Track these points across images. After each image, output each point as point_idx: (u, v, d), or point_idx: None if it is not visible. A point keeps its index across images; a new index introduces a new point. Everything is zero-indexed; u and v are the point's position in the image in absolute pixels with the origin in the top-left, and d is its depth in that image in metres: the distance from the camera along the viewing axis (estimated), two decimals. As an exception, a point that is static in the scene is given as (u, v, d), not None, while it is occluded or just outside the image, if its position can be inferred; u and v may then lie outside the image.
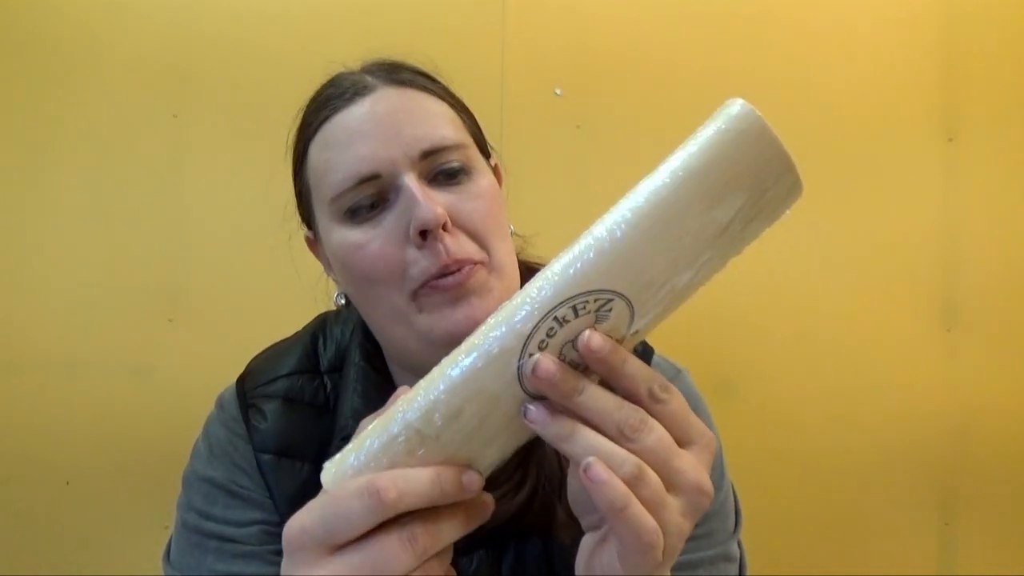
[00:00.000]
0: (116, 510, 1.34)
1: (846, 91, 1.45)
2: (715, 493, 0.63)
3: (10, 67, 1.34)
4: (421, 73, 0.60)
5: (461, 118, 0.60)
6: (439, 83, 0.61)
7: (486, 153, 0.62)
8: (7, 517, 1.33)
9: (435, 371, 0.39)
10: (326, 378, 0.65)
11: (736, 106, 0.37)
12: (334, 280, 0.63)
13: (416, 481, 0.37)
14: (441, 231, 0.51)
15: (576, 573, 0.42)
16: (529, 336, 0.37)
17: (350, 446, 0.39)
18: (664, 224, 0.37)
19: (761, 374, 1.43)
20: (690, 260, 0.38)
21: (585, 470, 0.36)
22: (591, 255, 0.37)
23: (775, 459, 1.41)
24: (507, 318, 0.38)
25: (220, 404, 0.66)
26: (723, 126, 0.37)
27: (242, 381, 0.66)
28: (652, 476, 0.37)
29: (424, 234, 0.51)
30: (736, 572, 0.64)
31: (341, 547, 0.36)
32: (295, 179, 0.62)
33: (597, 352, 0.37)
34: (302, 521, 0.37)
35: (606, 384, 0.39)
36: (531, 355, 0.37)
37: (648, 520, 0.36)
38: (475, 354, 0.38)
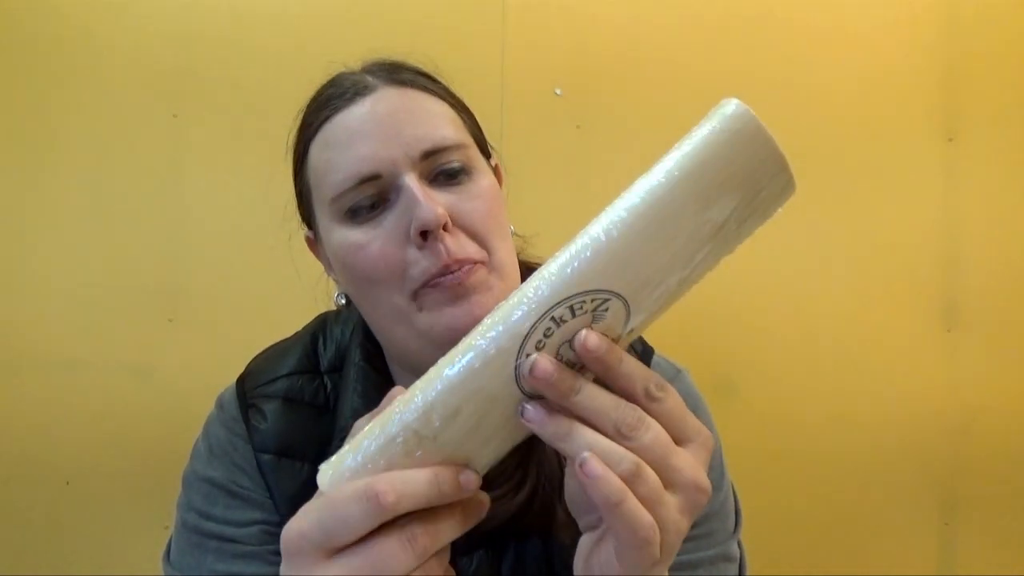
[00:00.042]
0: (116, 510, 1.33)
1: (846, 91, 1.45)
2: (715, 493, 0.63)
3: (10, 67, 1.34)
4: (422, 73, 0.60)
5: (462, 118, 0.60)
6: (440, 83, 0.61)
7: (486, 153, 0.62)
8: (7, 517, 1.33)
9: (432, 371, 0.39)
10: (326, 378, 0.65)
11: (731, 106, 0.38)
12: (334, 280, 0.63)
13: (414, 483, 0.37)
14: (442, 231, 0.51)
15: (575, 573, 0.42)
16: (527, 336, 0.37)
17: (346, 447, 0.39)
18: (660, 224, 0.37)
19: (761, 374, 1.43)
20: (685, 259, 0.38)
21: (581, 465, 0.37)
22: (588, 255, 0.37)
23: (775, 459, 1.41)
24: (504, 318, 0.38)
25: (220, 404, 0.66)
26: (718, 126, 0.37)
27: (242, 381, 0.66)
28: (649, 473, 0.37)
29: (425, 234, 0.51)
30: (736, 572, 0.64)
31: (340, 550, 0.36)
32: (295, 179, 0.62)
33: (594, 351, 0.37)
34: (300, 525, 0.37)
35: (602, 383, 0.39)
36: (528, 355, 0.37)
37: (644, 515, 0.36)
38: (472, 354, 0.38)
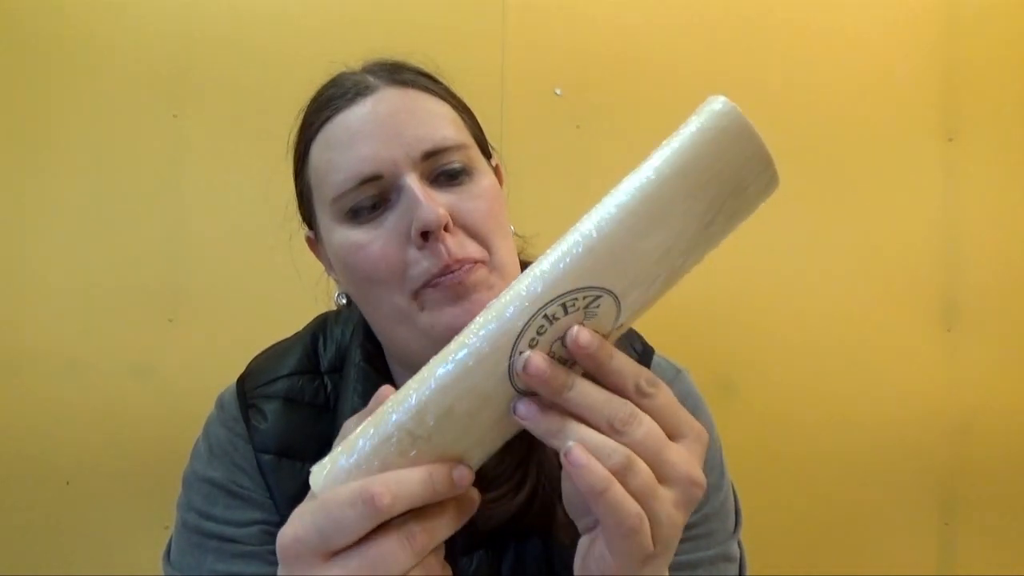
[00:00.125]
0: (116, 510, 1.34)
1: (846, 91, 1.45)
2: (715, 493, 0.64)
3: (10, 67, 1.34)
4: (423, 73, 0.60)
5: (462, 118, 0.60)
6: (441, 83, 0.61)
7: (487, 153, 0.62)
8: (7, 517, 1.33)
9: (424, 370, 0.39)
10: (326, 378, 0.65)
11: (718, 103, 0.38)
12: (335, 280, 0.63)
13: (409, 483, 0.37)
14: (442, 231, 0.52)
15: (574, 575, 0.43)
16: (520, 334, 0.37)
17: (340, 448, 0.39)
18: (650, 220, 0.38)
19: (761, 374, 1.43)
20: (675, 255, 0.38)
21: (566, 455, 0.37)
22: (579, 252, 0.37)
23: (775, 459, 1.41)
24: (497, 316, 0.38)
25: (220, 404, 0.66)
26: (706, 123, 0.38)
27: (242, 381, 0.66)
28: (642, 466, 0.37)
29: (425, 235, 0.51)
30: (736, 572, 0.64)
31: (337, 552, 0.36)
32: (296, 179, 0.62)
33: (585, 348, 0.38)
34: (295, 530, 0.37)
35: (593, 380, 0.39)
36: (521, 353, 0.37)
37: (630, 504, 0.36)
38: (465, 352, 0.38)
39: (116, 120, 1.35)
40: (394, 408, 0.38)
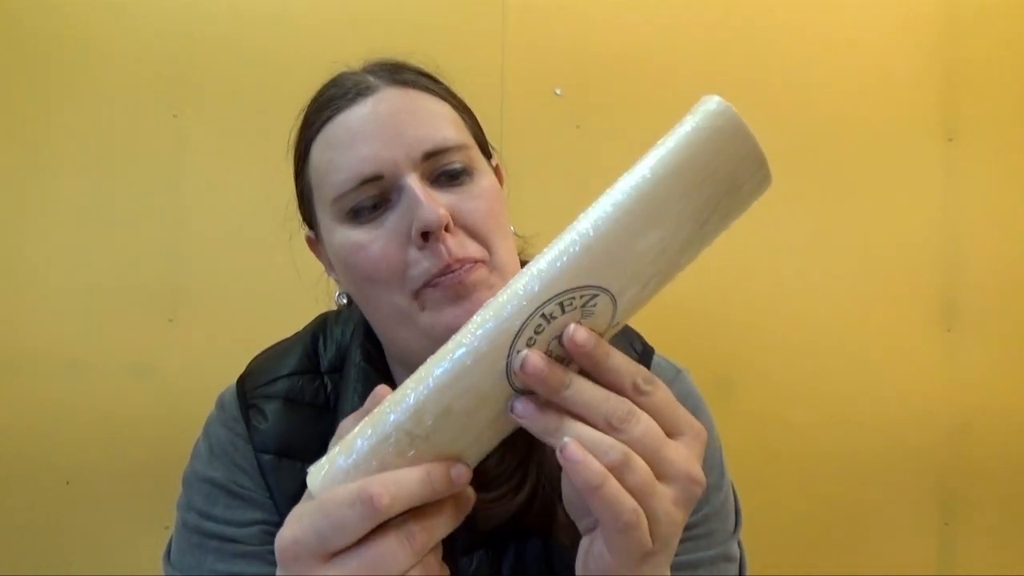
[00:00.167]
0: (116, 510, 1.33)
1: (846, 91, 1.45)
2: (715, 493, 0.64)
3: (10, 67, 1.34)
4: (424, 74, 0.60)
5: (463, 119, 0.60)
6: (441, 84, 0.61)
7: (487, 154, 0.62)
8: (7, 517, 1.33)
9: (422, 370, 0.39)
10: (327, 378, 0.65)
11: (713, 103, 0.38)
12: (335, 280, 0.63)
13: (408, 483, 0.37)
14: (443, 232, 0.52)
15: (576, 575, 0.43)
16: (518, 333, 0.37)
17: (337, 448, 0.39)
18: (646, 219, 0.38)
19: (761, 374, 1.43)
20: (670, 253, 0.39)
21: (561, 450, 0.37)
22: (576, 251, 0.38)
23: (775, 459, 1.41)
24: (495, 315, 0.38)
25: (220, 404, 0.66)
26: (702, 123, 0.38)
27: (242, 381, 0.66)
28: (639, 463, 0.37)
29: (426, 235, 0.51)
30: (736, 572, 0.64)
31: (337, 553, 0.36)
32: (297, 179, 0.62)
33: (582, 346, 0.38)
34: (294, 532, 0.37)
35: (590, 378, 0.39)
36: (519, 352, 0.38)
37: (626, 499, 0.36)
38: (463, 351, 0.38)
39: (116, 120, 1.35)
40: (392, 408, 0.38)
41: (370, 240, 0.54)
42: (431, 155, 0.54)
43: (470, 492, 0.40)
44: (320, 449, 0.46)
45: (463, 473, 0.38)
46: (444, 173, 0.55)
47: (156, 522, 1.29)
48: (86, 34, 1.35)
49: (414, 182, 0.53)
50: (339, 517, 0.36)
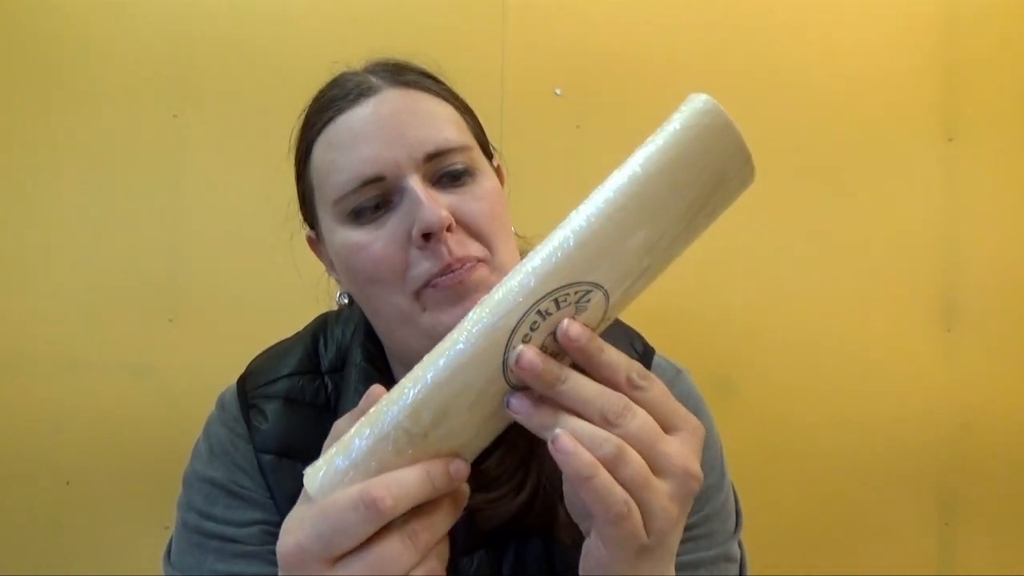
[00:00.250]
0: (116, 510, 1.33)
1: (846, 91, 1.45)
2: (716, 493, 0.64)
3: (10, 67, 1.34)
4: (425, 74, 0.60)
5: (465, 120, 0.60)
6: (443, 84, 0.61)
7: (488, 154, 0.62)
8: (7, 517, 1.33)
9: (418, 368, 0.39)
10: (327, 378, 0.65)
11: (700, 101, 0.39)
12: (336, 280, 0.63)
13: (409, 484, 0.37)
14: (444, 232, 0.52)
15: (579, 574, 0.43)
16: (514, 330, 0.38)
17: (334, 449, 0.39)
18: (637, 215, 0.38)
19: (761, 374, 1.43)
20: (659, 249, 0.39)
21: (553, 442, 0.37)
22: (570, 248, 0.38)
23: (775, 459, 1.41)
24: (491, 312, 0.38)
25: (221, 404, 0.66)
26: (690, 120, 0.39)
27: (243, 381, 0.66)
28: (634, 456, 0.37)
29: (427, 236, 0.52)
30: (737, 572, 0.64)
31: (340, 556, 0.36)
32: (298, 179, 0.62)
33: (576, 341, 0.38)
34: (297, 538, 0.37)
35: (585, 374, 0.39)
36: (515, 348, 0.38)
37: (617, 490, 0.36)
38: (460, 349, 0.38)
39: (116, 120, 1.35)
40: (389, 407, 0.39)
41: (371, 241, 0.54)
42: (433, 156, 0.54)
43: (465, 488, 0.41)
44: (320, 449, 0.46)
45: (462, 469, 0.39)
46: (446, 174, 0.55)
47: (156, 522, 1.29)
48: (86, 34, 1.35)
49: (416, 183, 0.53)
50: (342, 521, 0.36)
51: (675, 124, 0.39)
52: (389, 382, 0.64)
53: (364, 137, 0.55)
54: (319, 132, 0.57)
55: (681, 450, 0.39)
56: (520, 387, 0.39)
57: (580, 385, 0.38)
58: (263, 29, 1.37)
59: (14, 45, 1.34)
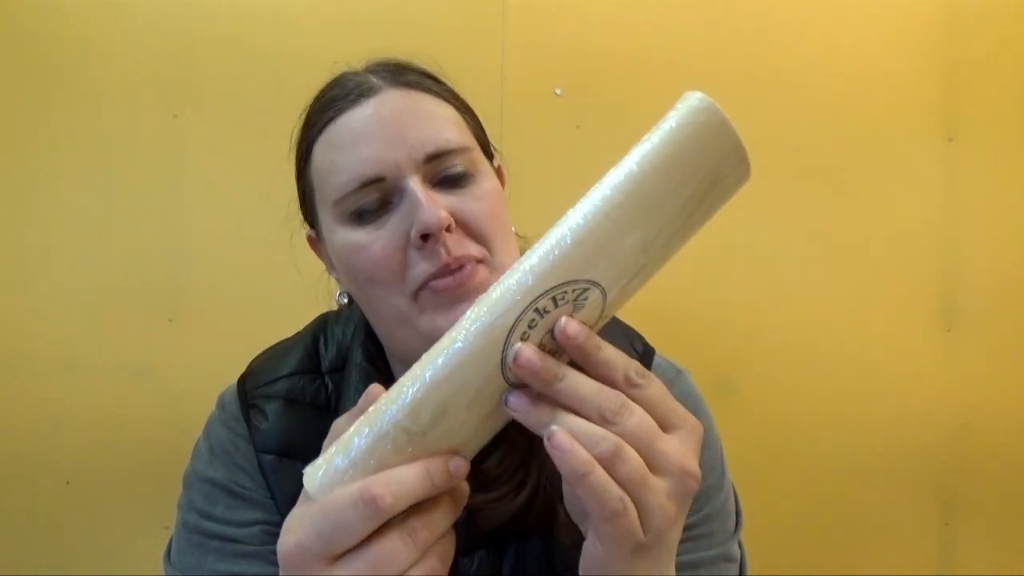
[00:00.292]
0: (116, 510, 1.33)
1: (846, 92, 1.45)
2: (716, 493, 0.64)
3: (10, 67, 1.34)
4: (427, 75, 0.60)
5: (466, 120, 0.60)
6: (444, 85, 0.61)
7: (489, 155, 0.62)
8: (7, 517, 1.33)
9: (417, 367, 0.40)
10: (327, 378, 0.65)
11: (696, 99, 0.39)
12: (336, 279, 0.63)
13: (408, 481, 0.37)
14: (443, 233, 0.52)
15: (579, 574, 0.43)
16: (512, 328, 0.38)
17: (334, 448, 0.39)
18: (634, 213, 0.39)
19: (761, 374, 1.43)
20: (656, 246, 0.40)
21: (549, 439, 0.37)
22: (567, 246, 0.38)
23: (775, 459, 1.41)
24: (489, 311, 0.38)
25: (221, 404, 0.66)
26: (686, 118, 0.39)
27: (243, 381, 0.66)
28: (631, 454, 0.37)
29: (426, 237, 0.52)
30: (737, 572, 0.64)
31: (340, 554, 0.36)
32: (298, 179, 0.62)
33: (573, 339, 0.38)
34: (297, 537, 0.37)
35: (583, 372, 0.39)
36: (513, 346, 0.38)
37: (612, 487, 0.36)
38: (458, 347, 0.38)
39: (116, 120, 1.35)
40: (388, 405, 0.39)
41: (371, 241, 0.54)
42: (433, 157, 0.54)
43: (464, 486, 0.41)
44: (321, 449, 0.46)
45: (461, 465, 0.39)
46: (446, 176, 0.55)
47: (156, 522, 1.29)
48: (86, 34, 1.35)
49: (415, 184, 0.53)
50: (342, 519, 0.36)
51: (671, 122, 0.39)
52: (389, 382, 0.64)
53: (364, 138, 0.55)
54: (319, 132, 0.57)
55: (679, 449, 0.39)
56: (518, 385, 0.39)
57: (578, 383, 0.38)
58: (263, 29, 1.37)
59: (14, 45, 1.34)
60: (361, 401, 0.42)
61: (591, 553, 0.40)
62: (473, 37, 1.40)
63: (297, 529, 0.37)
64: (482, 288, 0.53)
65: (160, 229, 1.35)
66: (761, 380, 1.43)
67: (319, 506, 0.37)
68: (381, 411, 0.39)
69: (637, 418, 0.38)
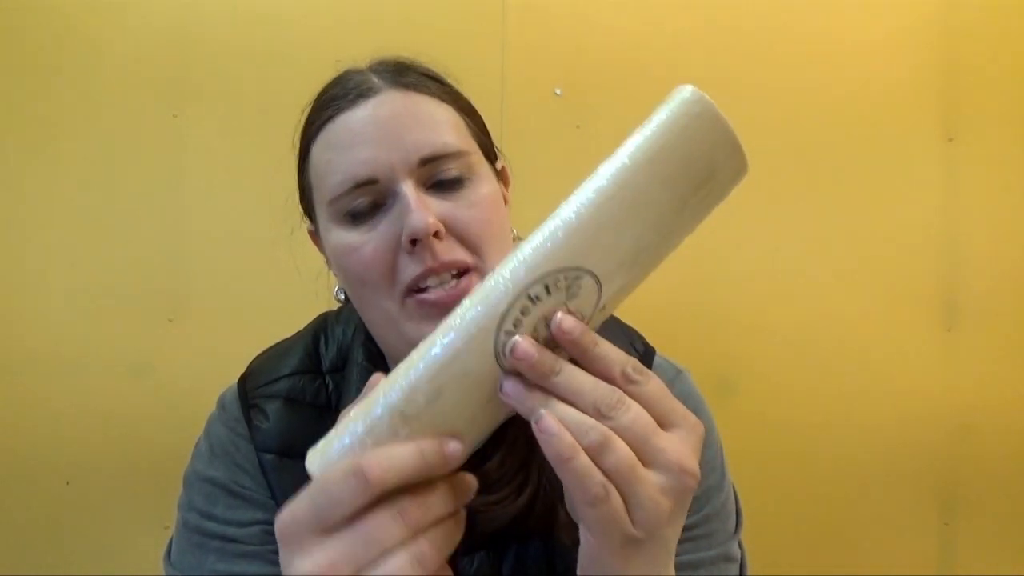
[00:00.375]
0: (116, 510, 1.33)
1: (847, 92, 1.44)
2: (716, 494, 0.64)
3: (10, 67, 1.34)
4: (428, 76, 0.60)
5: (466, 123, 0.60)
6: (447, 86, 0.61)
7: (492, 157, 0.62)
8: (7, 517, 1.33)
9: (414, 354, 0.40)
10: (328, 378, 0.65)
11: (687, 92, 0.40)
12: (335, 275, 0.63)
13: (400, 457, 0.37)
14: (431, 239, 0.52)
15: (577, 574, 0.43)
16: (504, 315, 0.38)
17: (333, 432, 0.40)
18: (626, 204, 0.39)
19: (761, 374, 1.43)
20: (651, 238, 0.40)
21: (536, 422, 0.37)
22: (560, 235, 0.39)
23: (775, 459, 1.41)
24: (482, 298, 0.39)
25: (222, 404, 0.66)
26: (676, 110, 0.39)
27: (243, 381, 0.66)
28: (620, 446, 0.37)
29: (415, 241, 0.52)
30: (737, 572, 0.64)
31: (332, 529, 0.36)
32: (299, 175, 0.62)
33: (569, 334, 0.38)
34: (292, 511, 0.37)
35: (581, 367, 0.39)
36: (507, 333, 0.38)
37: (595, 472, 0.36)
38: (453, 334, 0.39)
39: (116, 120, 1.35)
40: (385, 390, 0.39)
41: (362, 243, 0.54)
42: (428, 161, 0.54)
43: (470, 477, 0.40)
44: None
45: (457, 449, 0.38)
46: (440, 180, 0.55)
47: (156, 522, 1.29)
48: (86, 34, 1.35)
49: (408, 188, 0.53)
50: (334, 492, 0.36)
51: (662, 115, 0.40)
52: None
53: (361, 139, 0.55)
54: (318, 131, 0.58)
55: (677, 446, 0.38)
56: (516, 373, 0.39)
57: (574, 377, 0.38)
58: (263, 29, 1.37)
59: (14, 45, 1.34)
60: (365, 389, 0.42)
61: (585, 548, 0.40)
62: (473, 37, 1.40)
63: (295, 504, 0.37)
64: None
65: (160, 229, 1.35)
66: (761, 380, 1.43)
67: (314, 481, 0.37)
68: (379, 395, 0.39)
69: (633, 414, 0.38)
